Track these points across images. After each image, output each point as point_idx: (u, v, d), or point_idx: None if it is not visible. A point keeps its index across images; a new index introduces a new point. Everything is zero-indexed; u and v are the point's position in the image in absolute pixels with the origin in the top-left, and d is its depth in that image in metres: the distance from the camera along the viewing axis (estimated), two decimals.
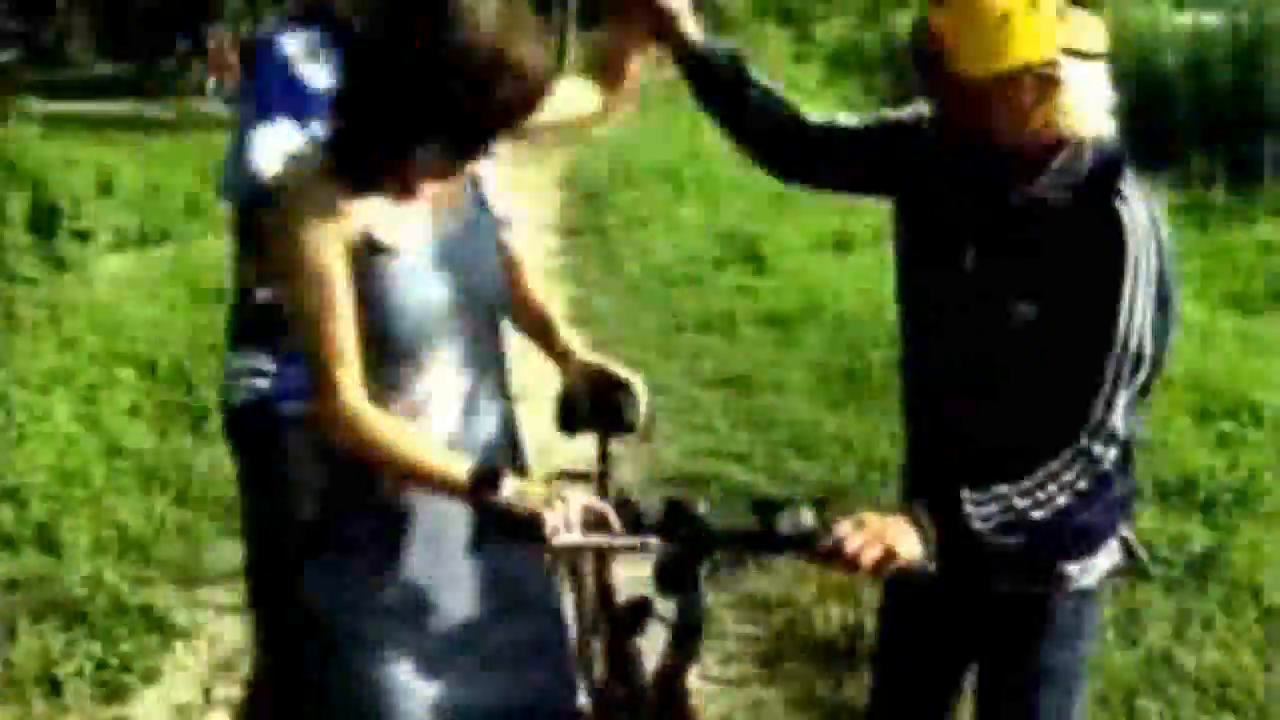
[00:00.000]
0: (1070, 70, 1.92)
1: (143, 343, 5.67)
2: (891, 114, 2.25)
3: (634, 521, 1.95)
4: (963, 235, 2.08)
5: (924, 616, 2.26)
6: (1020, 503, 1.91)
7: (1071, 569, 2.12)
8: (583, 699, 2.36)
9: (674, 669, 2.05)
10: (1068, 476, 1.92)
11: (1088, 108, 1.97)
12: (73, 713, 3.19)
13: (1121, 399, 1.93)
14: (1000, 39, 1.90)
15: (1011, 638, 2.18)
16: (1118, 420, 1.93)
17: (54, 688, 3.22)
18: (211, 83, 15.26)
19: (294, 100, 2.32)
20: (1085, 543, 2.12)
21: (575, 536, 1.88)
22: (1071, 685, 2.20)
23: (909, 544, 1.86)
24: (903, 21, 13.60)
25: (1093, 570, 2.14)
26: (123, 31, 17.21)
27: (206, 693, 3.27)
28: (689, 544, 1.95)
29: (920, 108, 2.18)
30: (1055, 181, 1.99)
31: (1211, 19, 14.33)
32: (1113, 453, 1.94)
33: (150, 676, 3.35)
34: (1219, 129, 11.88)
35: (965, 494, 1.90)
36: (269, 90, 2.38)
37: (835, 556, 1.86)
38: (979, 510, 1.90)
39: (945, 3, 1.94)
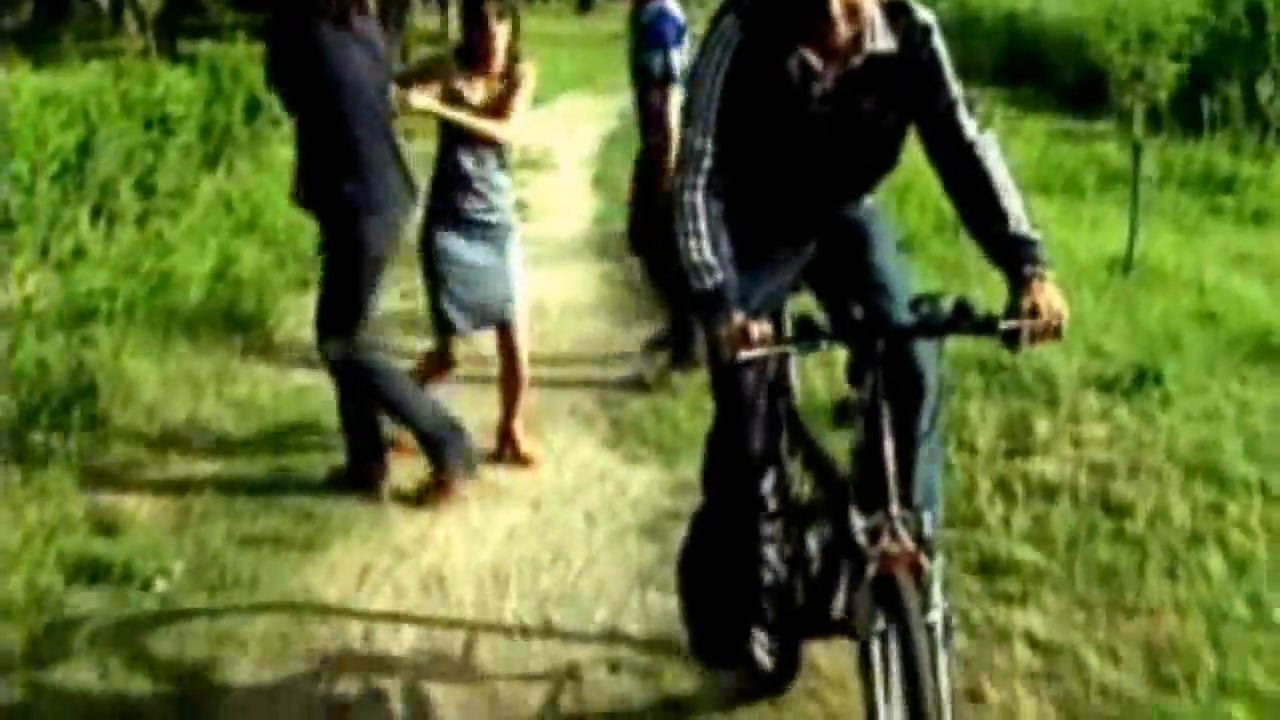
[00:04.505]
0: None
1: None
2: (725, 41, 2.63)
3: (812, 331, 2.28)
4: (820, 80, 2.58)
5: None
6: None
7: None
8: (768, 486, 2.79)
9: (876, 438, 2.30)
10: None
11: None
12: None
13: None
14: None
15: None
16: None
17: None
18: None
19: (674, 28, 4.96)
20: None
21: (756, 351, 2.22)
22: None
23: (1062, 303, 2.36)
24: None
25: None
26: None
27: None
28: (864, 339, 2.30)
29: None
30: (887, 38, 2.60)
31: None
32: None
33: None
34: None
35: None
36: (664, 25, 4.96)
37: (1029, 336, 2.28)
38: None
39: None
